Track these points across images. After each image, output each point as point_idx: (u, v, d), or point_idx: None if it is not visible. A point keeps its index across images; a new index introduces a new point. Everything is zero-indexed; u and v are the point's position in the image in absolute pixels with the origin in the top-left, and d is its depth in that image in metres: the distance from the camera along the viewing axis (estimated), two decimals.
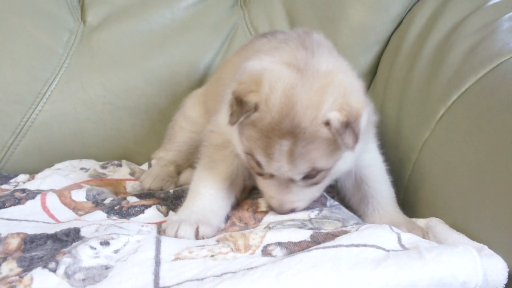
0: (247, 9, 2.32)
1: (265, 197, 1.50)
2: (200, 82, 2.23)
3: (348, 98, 1.32)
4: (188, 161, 1.99)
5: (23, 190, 1.68)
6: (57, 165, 2.09)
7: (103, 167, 2.06)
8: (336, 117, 1.29)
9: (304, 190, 1.44)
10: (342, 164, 1.44)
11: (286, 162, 1.34)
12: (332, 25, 2.17)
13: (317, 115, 1.30)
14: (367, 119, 1.39)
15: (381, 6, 2.12)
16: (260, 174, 1.45)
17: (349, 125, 1.29)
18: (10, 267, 1.19)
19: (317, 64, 1.38)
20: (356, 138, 1.30)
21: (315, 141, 1.32)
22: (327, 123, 1.30)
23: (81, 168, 2.07)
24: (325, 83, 1.33)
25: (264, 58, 1.42)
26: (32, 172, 2.04)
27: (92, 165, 2.10)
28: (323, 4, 2.20)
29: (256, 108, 1.33)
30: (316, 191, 1.48)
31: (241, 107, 1.34)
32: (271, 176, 1.42)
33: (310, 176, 1.40)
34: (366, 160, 1.64)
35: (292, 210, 1.47)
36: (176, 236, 1.37)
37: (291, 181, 1.40)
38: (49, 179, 1.86)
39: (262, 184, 1.47)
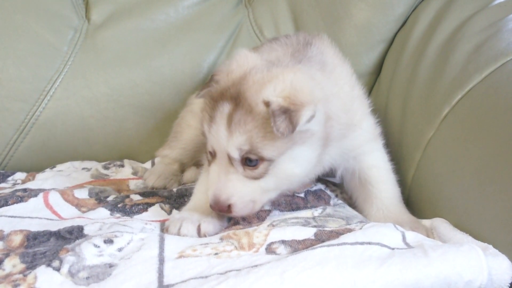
0: (251, 8, 2.32)
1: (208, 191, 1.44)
2: (204, 80, 2.22)
3: (296, 92, 1.35)
4: (193, 160, 1.99)
5: (25, 190, 1.68)
6: (58, 167, 2.09)
7: (105, 167, 2.06)
8: (277, 101, 1.32)
9: (243, 182, 1.40)
10: (292, 168, 1.41)
11: (224, 127, 1.36)
12: (336, 24, 2.17)
13: (261, 91, 1.35)
14: (313, 117, 1.36)
15: (386, 5, 2.12)
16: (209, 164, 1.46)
17: (287, 112, 1.31)
18: (13, 263, 1.20)
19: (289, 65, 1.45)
20: (291, 127, 1.31)
21: (252, 114, 1.34)
22: (267, 104, 1.33)
23: (83, 168, 2.08)
24: (280, 73, 1.38)
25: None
26: (36, 170, 2.05)
27: (94, 165, 2.10)
28: (327, 3, 2.20)
29: (217, 82, 1.43)
30: (258, 190, 1.41)
31: (208, 82, 1.45)
32: (214, 157, 1.42)
33: (251, 162, 1.38)
34: (370, 161, 1.66)
35: (228, 208, 1.39)
36: (179, 233, 1.39)
37: (231, 165, 1.39)
38: (51, 180, 1.86)
39: (208, 175, 1.46)
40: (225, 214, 1.43)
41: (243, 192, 1.40)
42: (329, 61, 1.59)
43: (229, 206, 1.39)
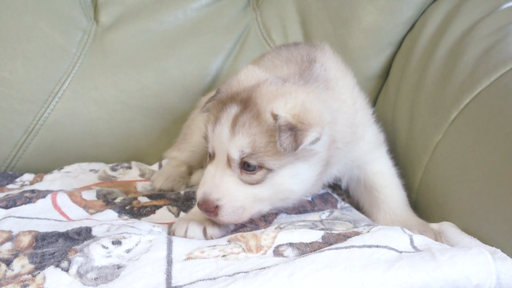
0: (259, 11, 2.32)
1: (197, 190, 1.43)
2: (212, 82, 2.24)
3: (306, 111, 1.35)
4: (201, 162, 1.99)
5: (33, 191, 1.69)
6: (66, 168, 2.09)
7: (113, 169, 2.07)
8: (285, 117, 1.33)
9: (237, 186, 1.38)
10: (291, 184, 1.41)
11: (229, 127, 1.36)
12: (344, 27, 2.17)
13: (272, 101, 1.36)
14: (318, 139, 1.36)
15: (394, 8, 2.12)
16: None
17: (293, 130, 1.31)
18: (22, 264, 1.20)
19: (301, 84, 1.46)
20: (294, 145, 1.31)
21: (259, 119, 1.35)
22: (275, 117, 1.34)
23: (91, 170, 2.08)
24: (294, 90, 1.39)
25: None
26: (44, 171, 2.05)
27: (102, 167, 2.10)
28: (335, 6, 2.20)
29: (224, 92, 1.47)
30: (251, 197, 1.40)
31: (214, 96, 1.47)
32: (213, 159, 1.42)
33: (249, 167, 1.37)
34: (374, 168, 1.67)
35: (215, 210, 1.36)
36: (185, 236, 1.39)
37: (229, 167, 1.38)
38: (59, 181, 1.87)
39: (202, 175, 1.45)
40: (210, 217, 1.39)
41: (235, 195, 1.38)
42: (332, 76, 1.58)
43: (217, 208, 1.37)
